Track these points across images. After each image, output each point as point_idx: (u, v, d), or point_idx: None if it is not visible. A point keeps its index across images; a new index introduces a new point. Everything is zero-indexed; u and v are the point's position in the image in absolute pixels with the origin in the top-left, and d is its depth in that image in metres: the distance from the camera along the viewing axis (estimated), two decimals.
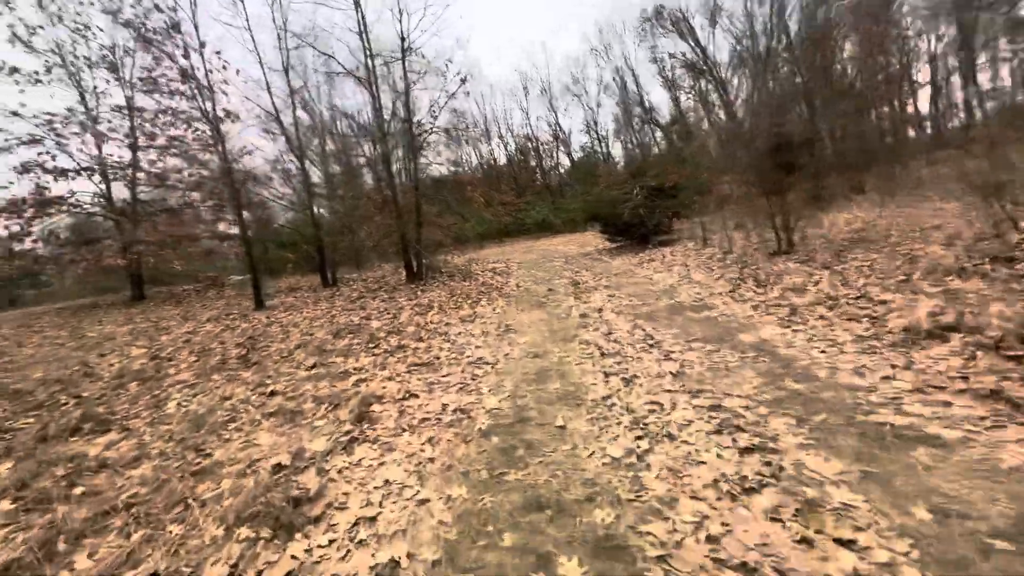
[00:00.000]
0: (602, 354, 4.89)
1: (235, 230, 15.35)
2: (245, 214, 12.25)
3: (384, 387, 4.68)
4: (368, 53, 11.99)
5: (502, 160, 41.96)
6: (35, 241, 14.54)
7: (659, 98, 62.92)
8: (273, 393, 4.96)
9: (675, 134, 33.33)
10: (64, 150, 14.31)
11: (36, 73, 13.66)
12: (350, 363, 5.73)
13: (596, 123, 40.24)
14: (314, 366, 5.80)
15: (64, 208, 14.42)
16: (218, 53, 13.31)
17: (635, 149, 38.16)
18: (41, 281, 25.74)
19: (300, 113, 14.31)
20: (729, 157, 13.36)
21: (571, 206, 31.37)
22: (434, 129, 12.48)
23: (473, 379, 4.69)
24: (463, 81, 12.01)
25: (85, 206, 14.74)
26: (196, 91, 11.61)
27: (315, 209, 14.13)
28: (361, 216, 14.76)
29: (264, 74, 13.24)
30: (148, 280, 15.64)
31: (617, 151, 41.63)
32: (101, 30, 14.73)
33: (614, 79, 38.54)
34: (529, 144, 41.05)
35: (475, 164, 39.92)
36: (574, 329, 6.09)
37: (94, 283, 18.84)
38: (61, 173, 14.29)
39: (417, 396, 4.38)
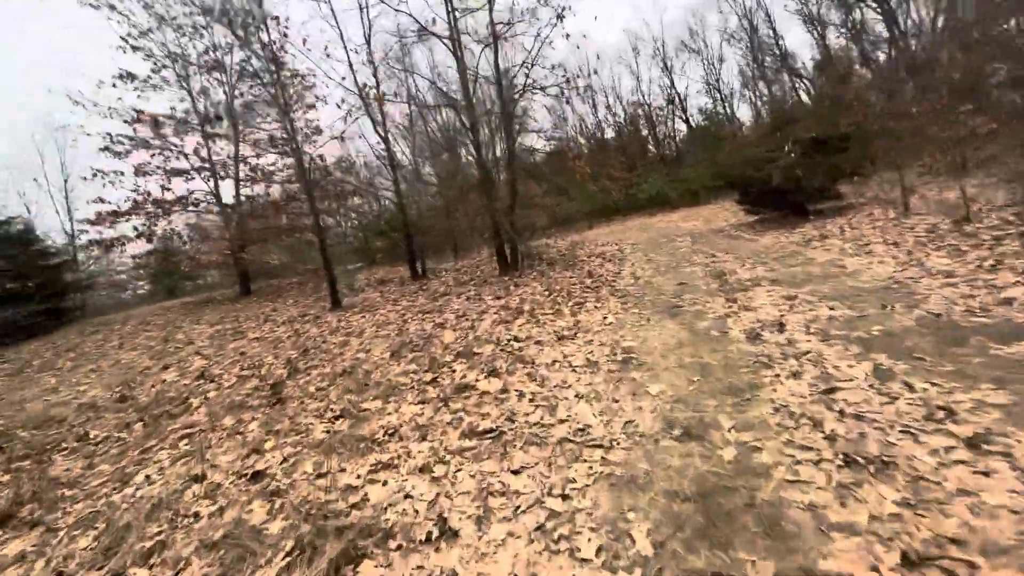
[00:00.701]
0: (845, 461, 2.25)
1: (332, 220, 14.66)
2: (330, 204, 11.20)
3: (404, 496, 2.57)
4: (449, 4, 9.99)
5: (610, 133, 38.24)
6: (162, 239, 15.12)
7: (795, 41, 53.33)
8: (257, 476, 3.13)
9: (827, 78, 26.95)
10: (179, 151, 14.54)
11: (149, 78, 13.87)
12: (387, 416, 3.75)
13: (719, 81, 34.59)
14: (340, 416, 3.93)
15: (185, 206, 14.74)
16: (304, 41, 12.34)
17: (765, 105, 32.03)
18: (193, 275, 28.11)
19: (383, 88, 12.85)
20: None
21: (691, 176, 27.06)
22: (529, 87, 10.16)
23: (563, 493, 2.38)
24: (560, 18, 9.42)
25: (201, 204, 14.99)
26: (275, 80, 10.59)
27: (402, 191, 12.68)
28: (455, 198, 13.02)
29: (346, 50, 11.96)
30: (256, 275, 15.73)
31: (743, 112, 35.60)
32: (207, 28, 14.61)
33: (742, 23, 32.56)
34: (640, 112, 36.76)
35: (579, 138, 36.79)
36: (745, 369, 3.46)
37: (230, 277, 19.92)
38: (177, 173, 14.59)
39: (455, 535, 2.19)
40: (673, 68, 34.44)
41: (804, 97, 29.49)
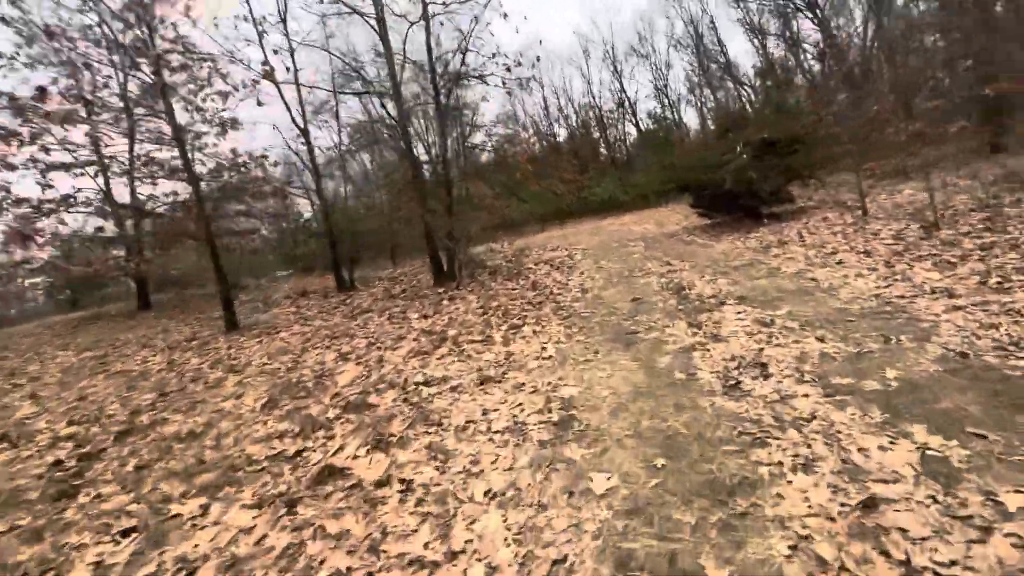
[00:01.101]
0: None
1: (256, 222, 12.84)
2: (235, 207, 9.55)
3: None
4: None
5: (562, 135, 37.74)
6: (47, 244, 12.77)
7: (739, 49, 54.87)
8: None
9: (769, 85, 27.31)
10: (61, 142, 12.28)
11: (15, 56, 11.56)
12: (199, 530, 2.43)
13: (666, 86, 34.69)
14: (133, 529, 2.55)
15: (69, 206, 12.47)
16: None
17: (711, 112, 32.31)
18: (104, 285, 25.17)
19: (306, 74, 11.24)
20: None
21: (642, 180, 26.71)
22: (465, 75, 8.95)
23: None
24: None
25: (89, 204, 12.75)
26: (156, 60, 8.83)
27: (324, 190, 11.11)
28: (391, 198, 11.60)
29: (254, 22, 10.30)
30: (166, 284, 13.66)
31: (690, 117, 35.97)
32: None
33: (688, 30, 32.71)
34: (591, 115, 36.39)
35: (531, 139, 36.00)
36: (728, 446, 2.37)
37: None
38: (60, 167, 12.32)
39: None
40: (623, 72, 34.14)
41: (747, 106, 29.88)
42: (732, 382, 3.03)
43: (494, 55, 9.60)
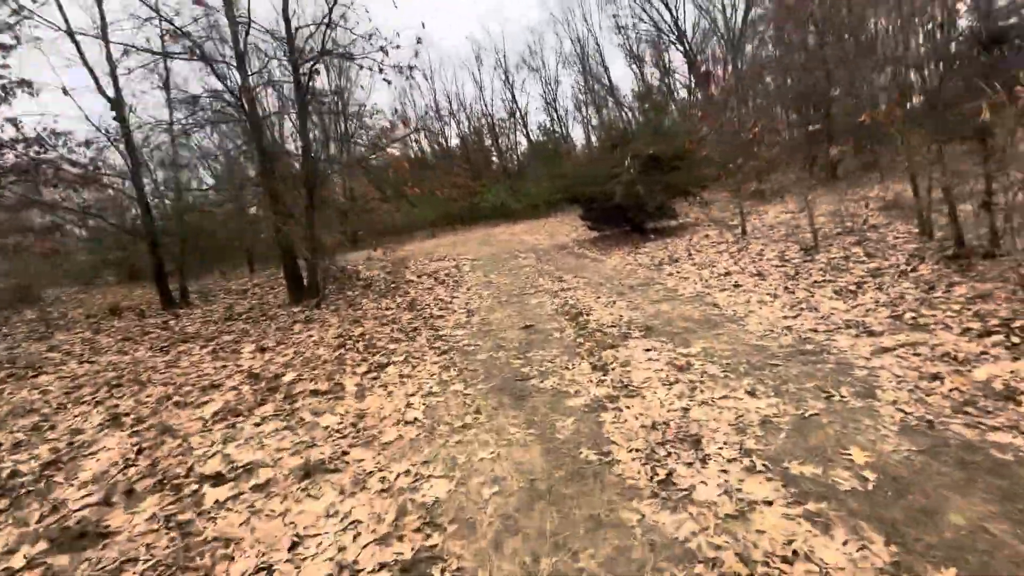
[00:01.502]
0: None
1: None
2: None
3: None
4: None
5: (454, 140, 36.73)
6: None
7: (620, 74, 58.61)
8: None
9: (647, 107, 29.06)
10: None
11: None
12: None
13: (555, 100, 35.47)
14: None
15: None
16: None
17: (596, 129, 33.64)
18: None
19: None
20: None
21: (533, 189, 26.64)
22: (328, 52, 7.37)
23: None
24: None
25: None
26: None
27: (139, 180, 8.64)
28: (235, 195, 9.43)
29: None
30: None
31: (577, 133, 37.26)
32: None
33: (575, 49, 33.78)
34: (484, 122, 35.89)
35: (422, 143, 34.48)
36: None
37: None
38: None
39: None
40: (515, 83, 34.16)
41: (629, 125, 31.56)
42: (662, 473, 2.14)
43: (370, 35, 8.17)
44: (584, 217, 12.50)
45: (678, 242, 9.30)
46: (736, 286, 5.17)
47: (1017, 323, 2.80)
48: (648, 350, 3.64)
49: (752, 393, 2.73)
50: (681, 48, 29.06)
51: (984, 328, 2.89)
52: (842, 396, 2.56)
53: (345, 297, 8.02)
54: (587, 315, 4.99)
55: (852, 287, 4.27)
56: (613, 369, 3.37)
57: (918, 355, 2.81)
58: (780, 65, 19.88)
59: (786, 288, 4.64)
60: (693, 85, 29.41)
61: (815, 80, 16.13)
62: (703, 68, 28.81)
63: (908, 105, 4.68)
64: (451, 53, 44.59)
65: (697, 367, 3.18)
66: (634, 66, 32.72)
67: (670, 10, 27.63)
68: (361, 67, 9.28)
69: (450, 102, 35.85)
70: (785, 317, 3.91)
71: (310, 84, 7.62)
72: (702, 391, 2.84)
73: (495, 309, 6.11)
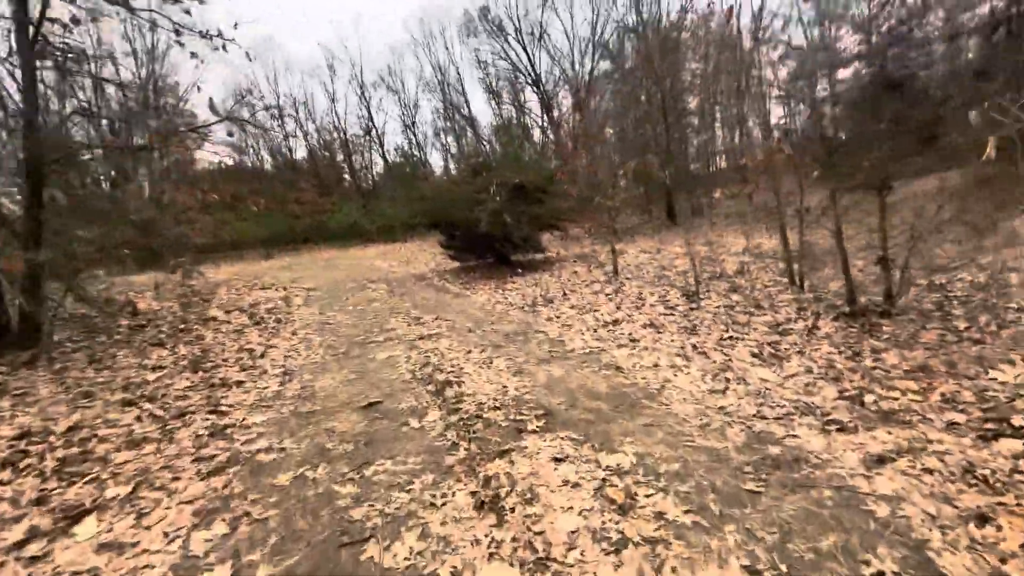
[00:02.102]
0: None
1: None
2: None
3: None
4: None
5: (301, 152, 32.84)
6: None
7: (480, 108, 59.78)
8: None
9: (507, 139, 29.40)
10: None
11: None
12: None
13: (414, 124, 34.08)
14: None
15: None
16: None
17: (454, 157, 33.05)
18: None
19: None
20: None
21: (390, 210, 24.61)
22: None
23: None
24: None
25: None
26: None
27: None
28: None
29: None
30: None
31: (436, 159, 36.38)
32: None
33: (436, 76, 32.98)
34: (337, 136, 32.68)
35: (260, 150, 30.03)
36: None
37: None
38: None
39: None
40: (371, 100, 31.80)
41: (486, 157, 31.59)
42: None
43: None
44: (446, 245, 11.17)
45: (548, 278, 8.51)
46: (633, 340, 4.27)
47: (1016, 420, 2.19)
48: (558, 460, 2.35)
49: (753, 571, 1.58)
50: (537, 92, 30.26)
51: (979, 425, 2.24)
52: (877, 560, 1.55)
53: (93, 345, 5.28)
54: (458, 383, 3.56)
55: (767, 348, 3.61)
56: (512, 511, 1.98)
57: (930, 473, 2.00)
58: (619, 119, 21.75)
59: (694, 346, 3.84)
60: (546, 126, 30.84)
61: (654, 134, 17.59)
62: (554, 113, 30.44)
63: (792, 150, 4.34)
64: (300, 57, 40.28)
65: (645, 502, 1.97)
66: (493, 101, 33.17)
67: (527, 53, 28.59)
68: (154, 25, 6.78)
69: (296, 110, 31.96)
70: (713, 392, 3.00)
71: (39, 27, 4.97)
72: (670, 563, 1.62)
73: (326, 369, 4.31)
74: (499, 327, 5.40)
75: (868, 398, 2.60)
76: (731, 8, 19.96)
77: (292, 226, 24.94)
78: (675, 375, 3.33)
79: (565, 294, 6.87)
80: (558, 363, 3.88)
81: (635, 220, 17.46)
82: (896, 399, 2.56)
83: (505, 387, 3.41)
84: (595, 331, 4.76)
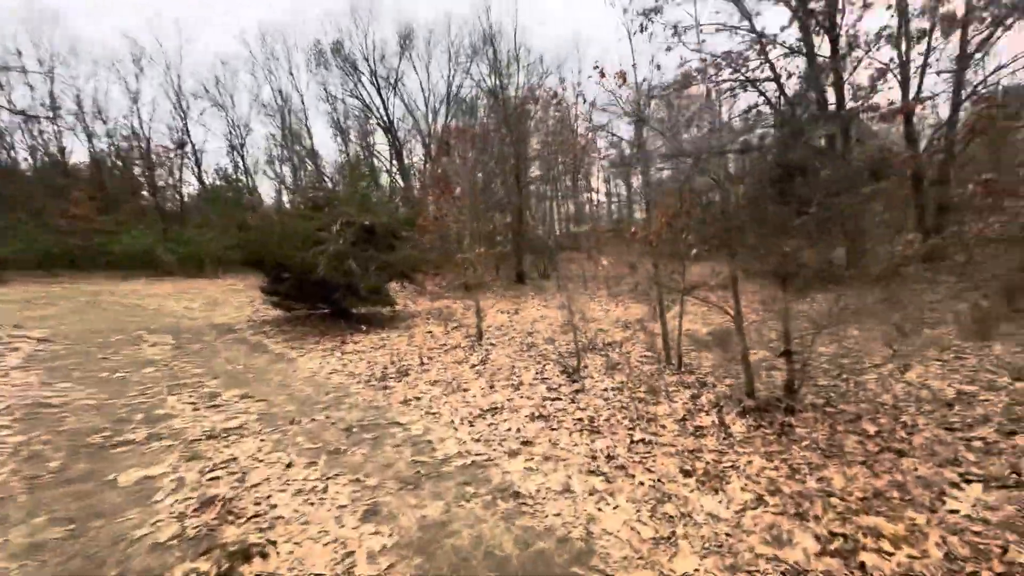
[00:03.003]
0: None
1: None
2: None
3: None
4: None
5: (81, 156, 25.50)
6: None
7: (323, 142, 55.52)
8: None
9: (357, 174, 27.20)
10: None
11: None
12: None
13: (243, 146, 29.48)
14: None
15: None
16: None
17: (290, 189, 29.33)
18: None
19: None
20: None
21: (201, 238, 20.12)
22: None
23: None
24: None
25: None
26: None
27: None
28: None
29: None
30: None
31: (266, 188, 32.03)
32: None
33: (276, 102, 29.39)
34: (135, 145, 26.18)
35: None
36: None
37: None
38: None
39: None
40: (189, 109, 26.43)
41: (328, 193, 28.74)
42: None
43: None
44: (269, 290, 8.88)
45: (398, 340, 7.13)
46: (525, 443, 3.25)
47: None
48: None
49: None
50: (388, 137, 29.11)
51: None
52: None
53: None
54: (261, 555, 2.01)
55: (694, 460, 2.92)
56: None
57: None
58: (467, 178, 21.95)
59: (607, 456, 2.97)
60: (395, 172, 29.65)
61: (507, 195, 17.89)
62: (405, 160, 29.57)
63: (689, 227, 4.05)
64: (93, 39, 32.07)
65: None
66: (339, 138, 30.91)
67: (382, 98, 27.55)
68: None
69: (80, 104, 24.97)
70: (659, 542, 2.11)
71: None
72: None
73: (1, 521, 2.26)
74: (337, 413, 3.87)
75: (863, 557, 1.96)
76: (579, 95, 22.10)
77: (52, 246, 18.44)
78: (599, 509, 2.38)
79: (423, 363, 5.61)
80: (430, 488, 2.61)
81: (487, 278, 17.15)
82: (890, 555, 1.97)
83: (350, 555, 2.00)
84: (471, 424, 3.62)
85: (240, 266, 14.30)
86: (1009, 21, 7.02)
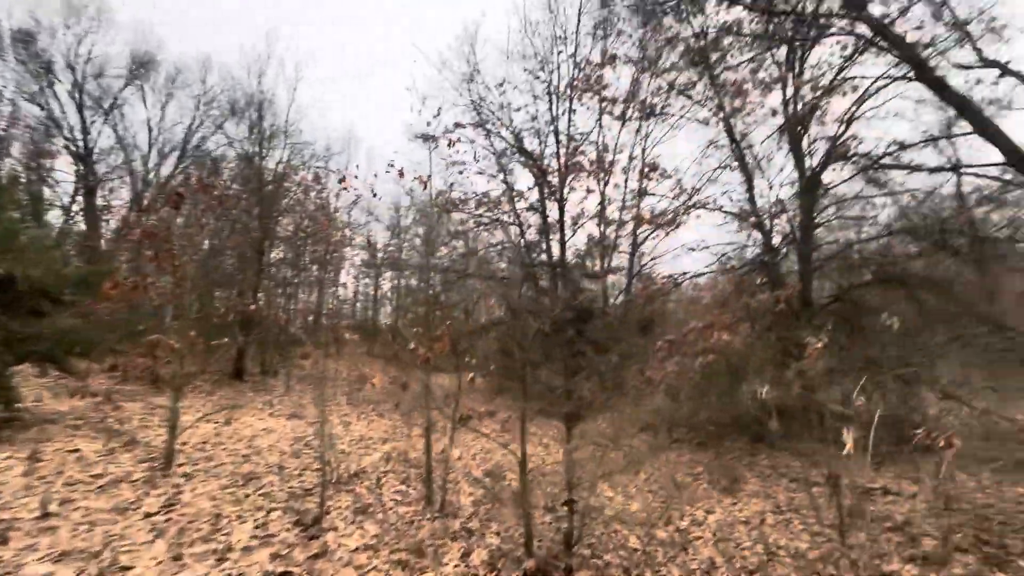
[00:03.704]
0: None
1: None
2: None
3: None
4: None
5: None
6: None
7: None
8: None
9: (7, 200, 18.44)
10: None
11: None
12: None
13: None
14: None
15: None
16: None
17: None
18: None
19: None
20: None
21: None
22: None
23: None
24: None
25: None
26: None
27: None
28: None
29: None
30: None
31: None
32: None
33: None
34: None
35: None
36: None
37: None
38: None
39: None
40: None
41: None
42: None
43: None
44: None
45: (11, 462, 4.38)
46: None
47: None
48: None
49: None
50: (79, 166, 21.75)
51: None
52: None
53: None
54: None
55: None
56: None
57: None
58: (197, 243, 17.94)
59: None
60: (81, 209, 21.82)
61: (243, 273, 15.18)
62: (100, 203, 22.27)
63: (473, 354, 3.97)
64: None
65: None
66: None
67: (83, 117, 20.86)
68: None
69: None
70: None
71: None
72: None
73: None
74: None
75: None
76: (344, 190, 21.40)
77: None
78: None
79: (46, 514, 3.43)
80: None
81: (192, 369, 13.22)
82: None
83: None
84: None
85: None
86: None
